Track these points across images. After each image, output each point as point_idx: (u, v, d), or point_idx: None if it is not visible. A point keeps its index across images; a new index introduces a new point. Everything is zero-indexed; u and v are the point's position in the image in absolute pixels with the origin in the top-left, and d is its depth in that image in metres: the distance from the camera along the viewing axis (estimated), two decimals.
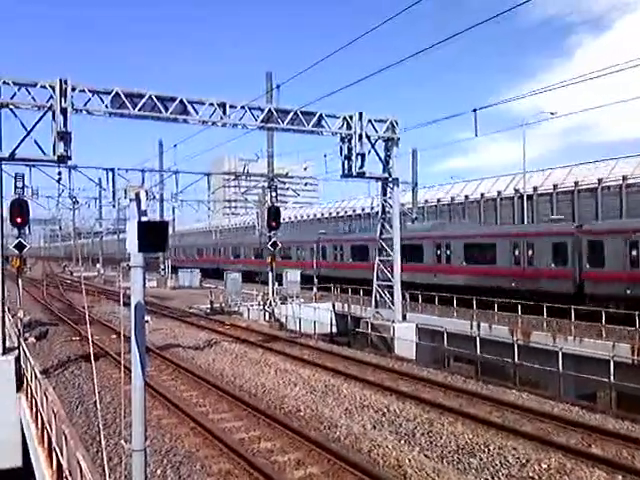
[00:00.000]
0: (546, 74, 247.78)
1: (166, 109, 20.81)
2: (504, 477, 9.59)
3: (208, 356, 20.72)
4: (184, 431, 12.10)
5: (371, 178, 27.08)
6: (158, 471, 9.88)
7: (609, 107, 18.78)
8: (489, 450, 10.77)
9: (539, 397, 15.11)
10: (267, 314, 33.58)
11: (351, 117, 24.11)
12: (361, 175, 25.09)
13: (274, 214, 33.77)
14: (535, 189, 39.20)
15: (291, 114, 22.91)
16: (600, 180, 34.73)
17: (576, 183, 36.30)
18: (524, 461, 10.18)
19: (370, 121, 24.67)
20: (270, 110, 22.86)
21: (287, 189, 41.93)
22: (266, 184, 36.95)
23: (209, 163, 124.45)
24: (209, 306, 35.44)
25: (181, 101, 21.00)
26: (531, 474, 9.66)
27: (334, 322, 31.50)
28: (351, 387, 15.90)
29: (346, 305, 33.20)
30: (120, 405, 11.77)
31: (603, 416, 13.29)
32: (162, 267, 57.97)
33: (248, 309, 34.07)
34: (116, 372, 17.27)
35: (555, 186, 37.89)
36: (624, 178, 33.16)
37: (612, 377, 15.62)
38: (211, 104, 21.64)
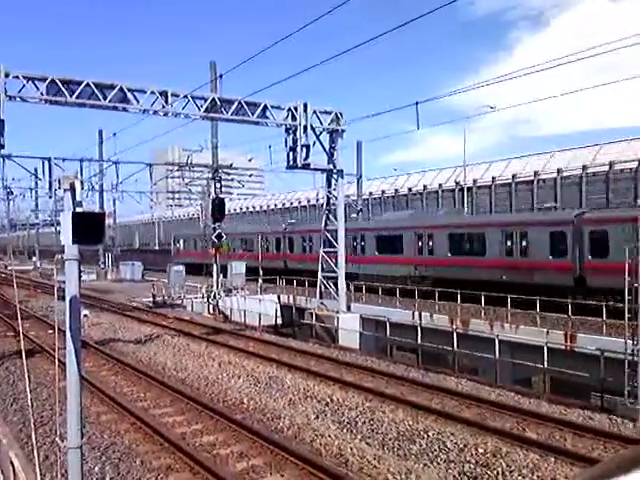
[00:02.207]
0: (489, 69, 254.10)
1: (105, 97, 20.21)
2: (443, 462, 9.86)
3: (150, 350, 20.36)
4: (124, 427, 11.86)
5: (316, 170, 27.15)
6: (96, 468, 9.66)
7: (546, 102, 19.40)
8: (429, 436, 11.05)
9: (477, 383, 15.61)
10: (211, 307, 33.25)
11: (296, 108, 24.05)
12: (306, 167, 25.11)
13: (219, 206, 33.40)
14: (475, 182, 40.25)
15: (235, 104, 22.66)
16: (536, 173, 35.98)
17: (514, 176, 37.48)
18: (462, 446, 10.49)
19: (315, 112, 24.69)
20: (214, 100, 22.55)
21: (232, 180, 41.51)
22: (210, 175, 36.48)
23: (151, 153, 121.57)
24: (152, 299, 34.76)
25: (121, 89, 20.44)
26: (468, 458, 9.96)
27: (279, 314, 31.50)
28: (295, 378, 15.96)
29: (291, 296, 33.24)
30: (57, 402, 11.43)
31: (537, 401, 13.85)
32: (102, 260, 56.42)
33: (192, 302, 33.64)
34: (53, 368, 16.71)
35: (494, 179, 39.02)
36: (559, 171, 34.45)
37: (546, 363, 16.26)
38: (152, 92, 21.15)
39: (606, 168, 31.85)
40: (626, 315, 12.90)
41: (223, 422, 11.86)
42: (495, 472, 9.34)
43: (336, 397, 13.89)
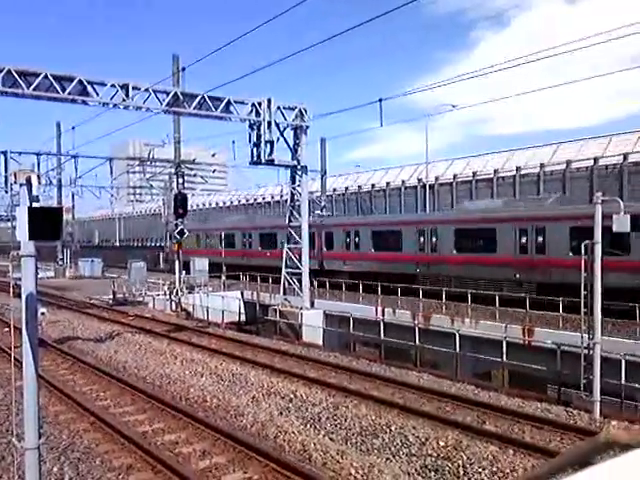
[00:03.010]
0: (450, 67, 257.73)
1: (64, 89, 19.74)
2: (405, 456, 9.98)
3: (110, 348, 20.00)
4: (83, 426, 11.63)
5: (280, 166, 27.06)
6: (55, 469, 9.45)
7: (505, 102, 19.78)
8: (391, 430, 11.17)
9: (438, 377, 15.86)
10: (173, 304, 32.83)
11: (260, 104, 23.94)
12: (270, 162, 25.02)
13: (181, 201, 32.97)
14: (437, 179, 40.78)
15: (198, 98, 22.41)
16: (496, 171, 36.67)
17: (474, 173, 38.11)
18: (423, 439, 10.64)
19: (279, 108, 24.62)
20: (176, 94, 22.26)
21: (195, 176, 41.03)
22: (173, 170, 35.97)
23: (111, 148, 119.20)
24: (112, 296, 34.13)
25: (80, 81, 19.99)
26: (430, 452, 10.11)
27: (243, 310, 31.34)
28: (259, 375, 15.92)
29: (255, 293, 33.10)
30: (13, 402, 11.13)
31: (496, 394, 14.15)
32: (60, 256, 55.10)
33: (153, 299, 33.15)
34: (9, 367, 16.26)
35: (455, 176, 39.60)
36: (517, 169, 35.19)
37: (505, 357, 16.61)
38: (113, 85, 20.75)
39: (563, 167, 32.69)
40: (582, 310, 13.28)
41: (185, 420, 11.75)
42: (456, 465, 9.50)
43: (300, 393, 13.91)
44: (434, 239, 28.42)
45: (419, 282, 28.10)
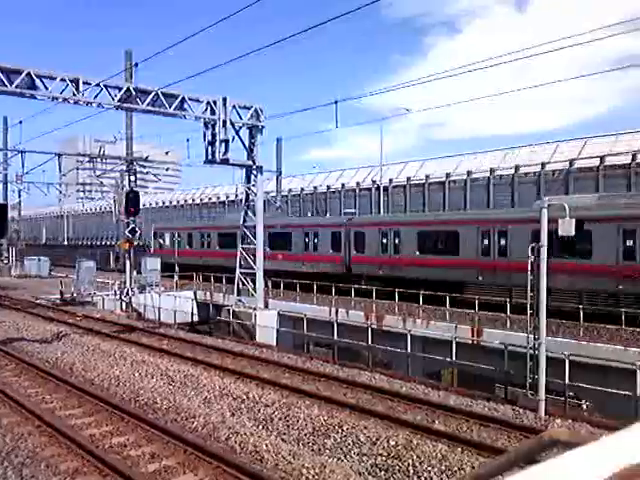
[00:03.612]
0: (407, 72, 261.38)
1: (11, 82, 19.06)
2: (356, 455, 10.07)
3: (57, 350, 19.44)
4: (28, 430, 11.26)
5: (235, 165, 26.87)
6: None
7: (459, 106, 20.20)
8: (343, 430, 11.24)
9: (390, 377, 16.05)
10: (124, 304, 32.18)
11: (215, 102, 23.69)
12: (225, 162, 24.80)
13: (133, 199, 32.34)
14: (391, 181, 41.26)
15: (152, 95, 22.02)
16: (448, 174, 37.38)
17: (427, 176, 38.74)
18: (374, 439, 10.75)
19: (235, 107, 24.43)
20: (129, 89, 21.80)
21: (147, 174, 40.31)
22: (124, 168, 35.25)
23: (60, 143, 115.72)
24: (59, 296, 33.18)
25: (28, 74, 19.35)
26: (381, 451, 10.23)
27: (196, 311, 30.97)
28: (211, 376, 15.77)
29: (208, 293, 32.78)
30: None
31: (446, 393, 14.42)
32: (5, 255, 53.22)
33: (103, 299, 32.41)
34: None
35: (409, 179, 40.16)
36: (469, 173, 35.96)
37: (454, 357, 16.95)
38: (63, 80, 20.16)
39: (512, 171, 33.60)
40: (528, 311, 13.68)
41: (134, 423, 11.53)
42: (406, 464, 9.64)
43: (252, 394, 13.85)
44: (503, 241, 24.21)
45: (472, 291, 24.48)
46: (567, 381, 14.02)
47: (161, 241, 46.42)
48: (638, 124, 32.16)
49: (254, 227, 25.97)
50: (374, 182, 42.54)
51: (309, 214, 45.68)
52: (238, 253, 26.68)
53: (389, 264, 28.22)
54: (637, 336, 16.82)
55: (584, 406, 14.89)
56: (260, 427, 11.55)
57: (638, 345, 16.09)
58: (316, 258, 32.11)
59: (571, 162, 30.90)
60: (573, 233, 13.01)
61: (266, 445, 10.39)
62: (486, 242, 24.56)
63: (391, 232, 28.58)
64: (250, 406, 12.98)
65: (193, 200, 63.20)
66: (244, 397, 13.65)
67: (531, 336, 13.57)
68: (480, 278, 24.30)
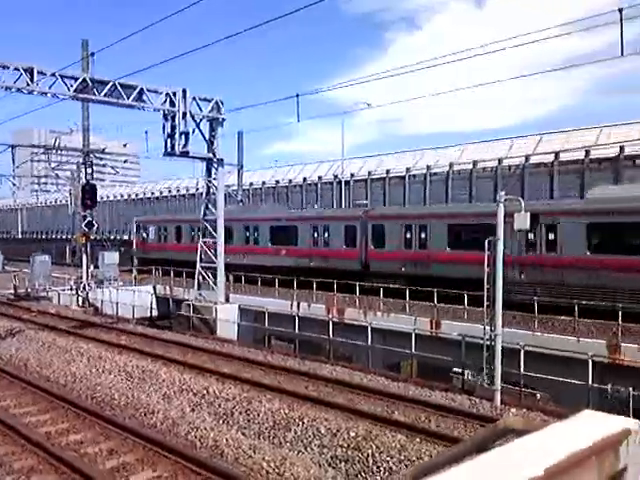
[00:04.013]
0: (367, 66, 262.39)
1: None
2: (316, 447, 10.14)
3: (11, 346, 18.92)
4: None
5: (195, 158, 26.57)
6: None
7: (419, 102, 20.37)
8: (304, 423, 11.29)
9: (351, 370, 16.20)
10: (80, 299, 31.49)
11: (175, 94, 23.34)
12: (185, 154, 24.49)
13: (89, 192, 31.65)
14: (352, 175, 41.44)
15: (109, 85, 21.55)
16: (408, 169, 37.78)
17: (387, 171, 39.06)
18: (335, 431, 10.83)
19: (195, 99, 24.13)
20: (85, 79, 21.29)
21: (104, 166, 39.46)
22: (81, 160, 34.41)
23: (14, 135, 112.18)
24: (13, 291, 32.25)
25: None
26: (341, 442, 10.31)
27: (155, 305, 30.54)
28: (170, 371, 15.60)
29: (168, 288, 32.34)
30: None
31: (405, 384, 14.64)
32: None
33: (59, 294, 31.65)
34: None
35: (369, 173, 40.41)
36: (428, 168, 36.42)
37: (413, 348, 17.19)
38: (16, 69, 19.55)
39: (470, 166, 34.17)
40: (485, 303, 13.98)
41: (92, 419, 11.34)
42: (365, 454, 9.75)
43: (213, 389, 13.77)
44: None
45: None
46: (522, 371, 14.39)
47: (144, 235, 42.00)
48: (587, 122, 33.14)
49: (215, 221, 25.74)
50: (335, 176, 42.65)
51: (316, 206, 40.59)
52: (199, 247, 26.38)
53: (414, 260, 25.14)
54: (590, 328, 17.35)
55: (538, 395, 15.32)
56: (220, 422, 11.51)
57: (590, 336, 16.61)
58: (326, 253, 28.82)
59: (527, 157, 31.60)
60: (527, 227, 13.34)
61: (226, 439, 10.35)
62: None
63: (416, 225, 25.39)
64: (210, 401, 12.90)
65: (152, 193, 62.21)
66: (204, 392, 13.55)
67: (488, 327, 13.89)
68: (522, 277, 21.11)
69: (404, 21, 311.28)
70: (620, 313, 16.65)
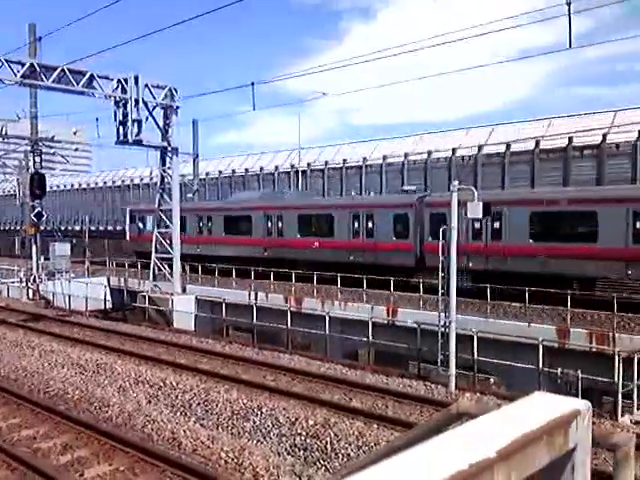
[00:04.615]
0: (323, 56, 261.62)
1: None
2: (275, 437, 10.17)
3: None
4: None
5: (149, 147, 26.09)
6: None
7: (375, 92, 20.44)
8: (262, 413, 11.30)
9: (309, 359, 16.29)
10: (31, 291, 30.58)
11: (126, 80, 22.79)
12: (138, 143, 23.99)
13: (38, 182, 30.64)
14: (309, 165, 41.43)
15: (57, 71, 20.88)
16: (364, 159, 38.02)
17: (344, 160, 39.23)
18: (293, 420, 10.88)
19: (147, 86, 23.61)
20: (32, 65, 20.57)
21: (54, 154, 38.32)
22: (29, 148, 33.28)
23: None
24: None
25: None
26: (299, 431, 10.37)
27: (109, 297, 29.92)
28: (125, 364, 15.36)
29: (122, 279, 31.72)
30: None
31: (363, 372, 14.81)
32: None
33: (8, 287, 30.67)
34: None
35: (326, 162, 40.48)
36: (384, 158, 36.73)
37: (371, 336, 17.39)
38: None
39: (425, 156, 34.63)
40: (440, 291, 14.24)
41: (44, 414, 11.08)
42: (324, 442, 9.84)
43: (169, 381, 13.62)
44: None
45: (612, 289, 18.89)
46: (476, 356, 14.74)
47: (140, 225, 37.09)
48: (539, 113, 33.95)
49: (170, 210, 25.35)
50: (292, 166, 42.55)
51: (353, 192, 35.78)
52: (154, 237, 25.94)
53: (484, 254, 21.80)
54: (541, 313, 17.90)
55: (492, 380, 15.76)
56: (178, 413, 11.41)
57: (539, 322, 17.14)
58: (369, 246, 25.26)
59: (480, 148, 32.20)
60: (480, 216, 13.64)
61: (184, 431, 10.28)
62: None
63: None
64: (167, 393, 12.77)
65: (105, 183, 60.77)
66: (161, 384, 13.40)
67: (443, 314, 14.17)
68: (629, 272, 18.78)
69: (359, 11, 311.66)
70: (569, 299, 17.23)
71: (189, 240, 30.84)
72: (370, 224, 25.45)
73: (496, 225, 21.43)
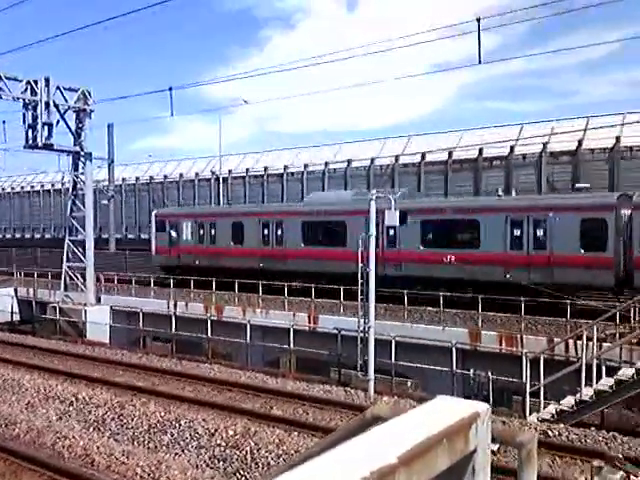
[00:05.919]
0: (244, 63, 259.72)
1: None
2: (194, 449, 9.98)
3: None
4: None
5: (60, 151, 25.02)
6: None
7: (296, 101, 20.57)
8: (180, 425, 11.05)
9: (230, 368, 16.11)
10: None
11: (36, 82, 21.80)
12: (48, 147, 23.00)
13: None
14: (230, 172, 41.10)
15: None
16: (286, 167, 38.25)
17: (265, 168, 39.25)
18: (213, 431, 10.71)
19: (59, 88, 22.69)
20: None
21: None
22: None
23: None
24: None
25: None
26: (219, 442, 10.22)
27: (17, 309, 28.30)
28: (34, 379, 14.58)
29: (31, 290, 30.07)
30: None
31: (284, 380, 14.81)
32: None
33: None
34: None
35: (247, 170, 40.34)
36: (305, 166, 37.09)
37: (292, 344, 17.42)
38: None
39: (345, 165, 35.35)
40: (359, 296, 14.50)
41: None
42: (244, 452, 9.75)
43: (82, 395, 13.06)
44: None
45: None
46: (394, 361, 15.10)
47: (173, 234, 29.55)
48: (453, 125, 35.39)
49: (83, 218, 24.38)
50: (213, 173, 42.05)
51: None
52: (65, 246, 24.83)
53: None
54: (454, 317, 18.55)
55: (409, 383, 16.18)
56: (91, 429, 10.97)
57: (454, 325, 17.77)
58: (539, 260, 18.97)
59: (397, 158, 33.13)
60: (397, 223, 14.02)
61: (97, 447, 9.89)
62: None
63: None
64: (79, 408, 12.24)
65: (13, 188, 57.62)
66: (72, 399, 12.82)
67: (362, 320, 14.43)
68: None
69: (279, 20, 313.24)
70: (480, 302, 17.94)
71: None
72: (540, 232, 19.38)
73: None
